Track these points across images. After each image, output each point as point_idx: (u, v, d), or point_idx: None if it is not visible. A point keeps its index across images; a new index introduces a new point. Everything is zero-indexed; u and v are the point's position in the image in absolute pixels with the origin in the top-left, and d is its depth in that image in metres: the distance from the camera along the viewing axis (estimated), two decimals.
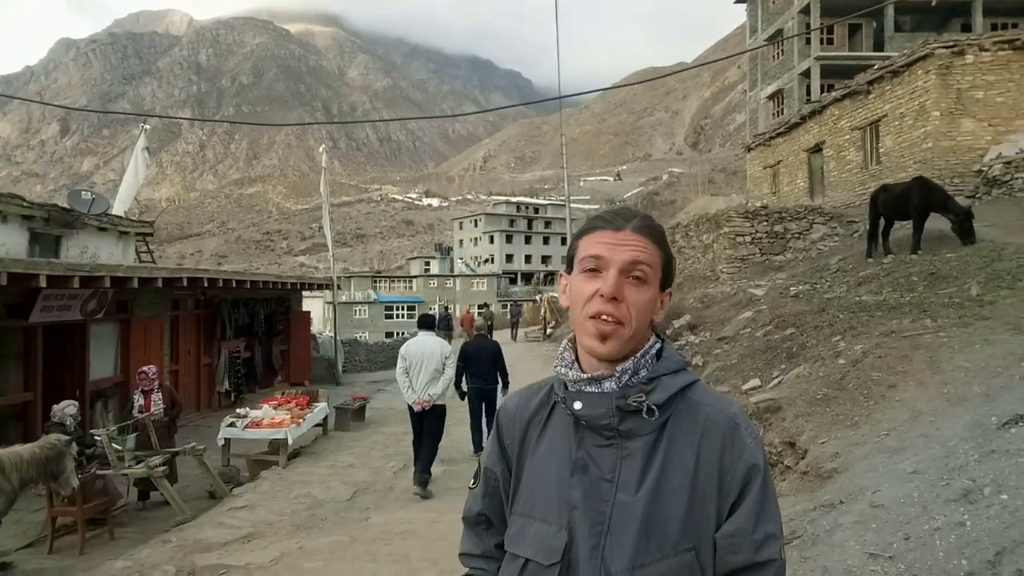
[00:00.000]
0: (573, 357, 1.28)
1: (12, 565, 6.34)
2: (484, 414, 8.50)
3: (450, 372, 7.40)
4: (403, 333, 42.45)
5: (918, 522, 3.61)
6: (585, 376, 1.22)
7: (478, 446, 8.44)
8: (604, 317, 1.18)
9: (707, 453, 1.19)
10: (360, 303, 60.17)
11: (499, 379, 8.51)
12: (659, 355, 1.26)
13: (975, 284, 8.21)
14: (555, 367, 1.29)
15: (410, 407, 7.32)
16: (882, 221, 11.73)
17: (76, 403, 7.48)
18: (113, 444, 7.12)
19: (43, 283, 7.93)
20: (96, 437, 7.13)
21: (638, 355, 1.23)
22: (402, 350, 7.49)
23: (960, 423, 4.72)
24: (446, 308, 39.36)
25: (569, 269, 1.30)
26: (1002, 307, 6.96)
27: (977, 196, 14.50)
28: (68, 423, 7.62)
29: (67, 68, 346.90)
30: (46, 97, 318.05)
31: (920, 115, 17.03)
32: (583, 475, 1.21)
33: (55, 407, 7.28)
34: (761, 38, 35.24)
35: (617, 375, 1.21)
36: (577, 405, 1.22)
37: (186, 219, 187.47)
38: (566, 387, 1.25)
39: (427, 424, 7.27)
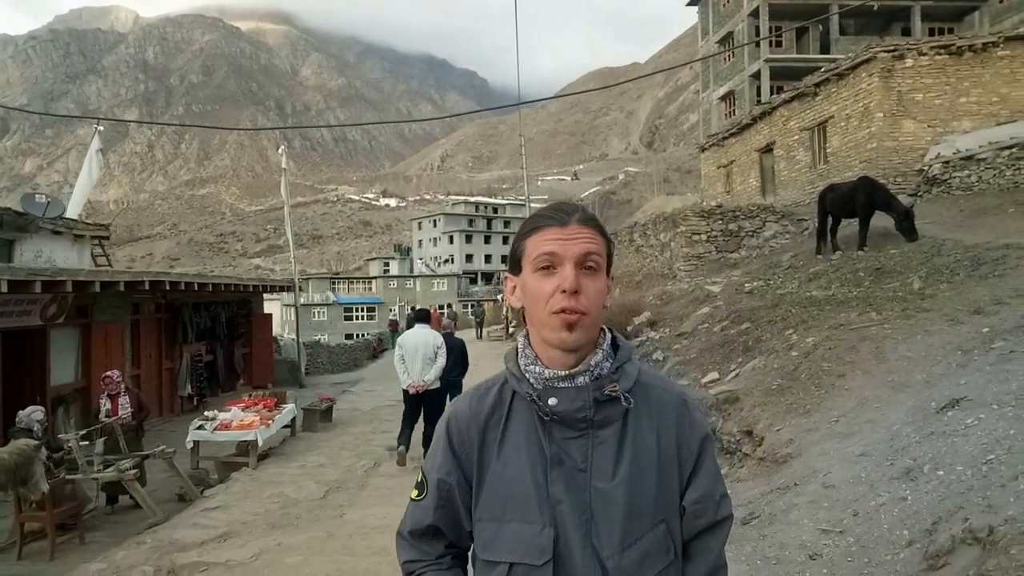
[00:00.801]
0: (535, 354, 1.30)
1: None
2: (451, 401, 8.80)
3: (441, 360, 8.14)
4: (364, 335, 42.20)
5: (865, 499, 3.93)
6: (561, 373, 1.25)
7: None
8: (568, 311, 1.21)
9: (664, 431, 1.28)
10: (319, 305, 59.54)
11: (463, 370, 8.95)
12: (615, 344, 1.32)
13: (917, 279, 8.69)
14: (521, 366, 1.30)
15: (405, 391, 8.17)
16: (830, 219, 12.25)
17: (43, 409, 7.42)
18: (81, 449, 7.11)
19: (3, 288, 7.83)
20: (66, 443, 7.09)
21: (604, 347, 1.29)
22: (399, 340, 8.42)
23: (903, 408, 5.08)
24: (414, 308, 40.84)
25: (515, 270, 1.32)
26: (941, 300, 7.41)
27: (919, 194, 15.19)
28: (35, 428, 7.57)
29: (5, 66, 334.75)
30: None
31: (864, 116, 17.75)
32: (560, 468, 1.24)
33: (21, 413, 7.22)
34: (713, 40, 36.06)
35: (591, 369, 1.26)
36: (552, 401, 1.24)
37: (135, 221, 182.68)
38: (532, 384, 1.27)
39: (427, 405, 8.18)
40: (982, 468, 3.50)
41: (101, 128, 15.84)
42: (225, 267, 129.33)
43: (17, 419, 7.19)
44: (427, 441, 7.83)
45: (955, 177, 14.52)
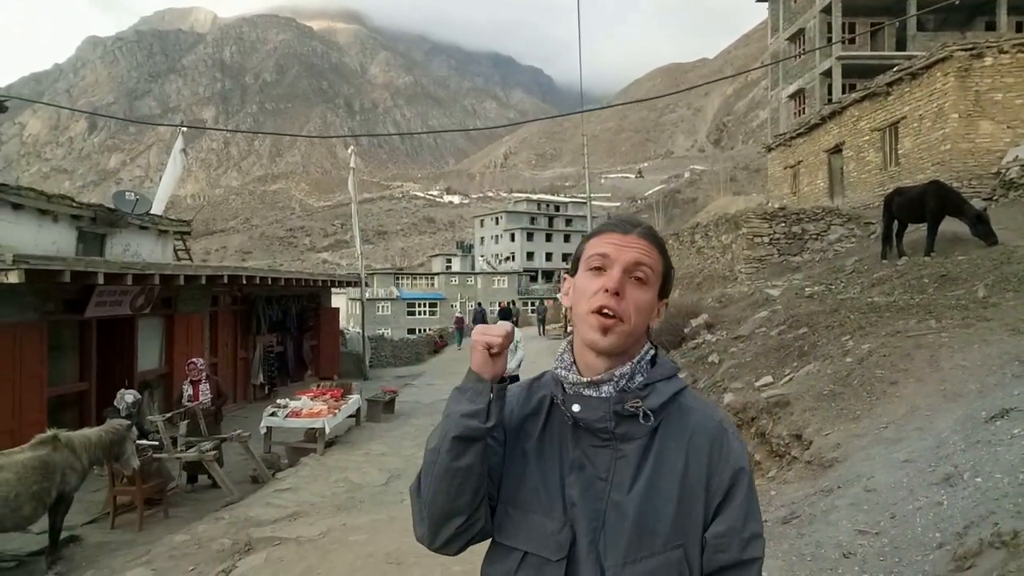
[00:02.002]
0: (572, 359, 1.31)
1: (79, 538, 6.94)
2: None
3: (521, 352, 9.67)
4: (426, 329, 43.08)
5: (904, 503, 4.04)
6: (584, 380, 1.26)
7: None
8: (606, 311, 1.22)
9: (696, 456, 1.24)
10: (383, 300, 60.93)
11: None
12: (653, 361, 1.31)
13: (982, 287, 8.53)
14: (555, 368, 1.33)
15: None
16: (896, 224, 12.03)
17: (135, 392, 8.07)
18: (167, 430, 7.72)
19: (101, 280, 8.53)
20: (153, 424, 7.71)
21: (635, 360, 1.28)
22: None
23: (953, 417, 5.12)
24: (479, 304, 41.73)
25: (573, 272, 1.36)
26: (1004, 309, 7.31)
27: (994, 198, 14.70)
28: (122, 408, 8.25)
29: (95, 66, 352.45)
30: (74, 93, 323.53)
31: (939, 117, 17.22)
32: (580, 473, 1.25)
33: (119, 393, 7.87)
34: (783, 37, 35.32)
35: (615, 380, 1.25)
36: (576, 408, 1.26)
37: (211, 215, 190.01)
38: (564, 389, 1.29)
39: None
40: (1019, 476, 3.59)
41: (185, 129, 16.76)
42: (294, 261, 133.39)
43: (116, 400, 7.84)
44: None
45: None
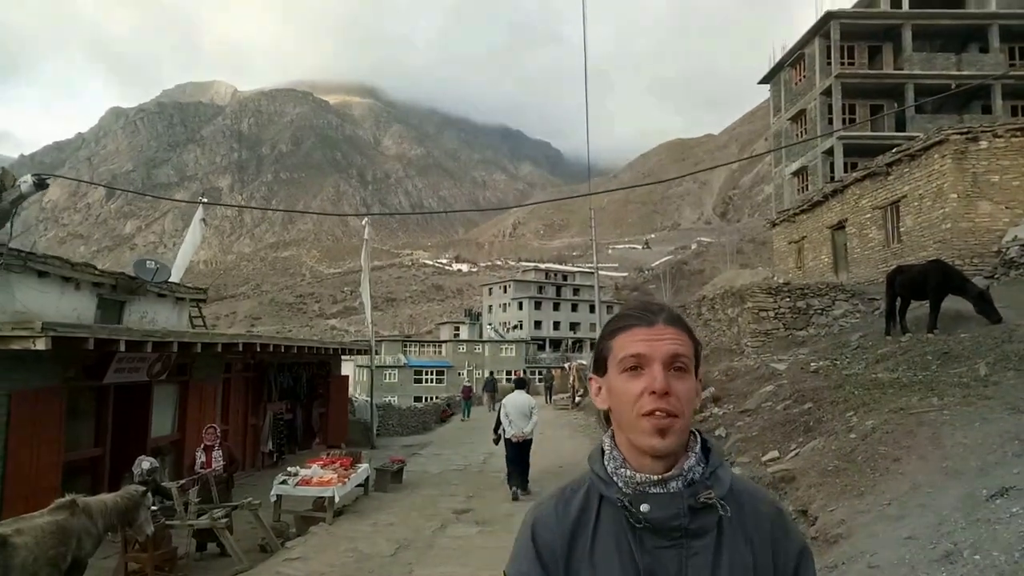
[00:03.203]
0: (623, 457, 1.25)
1: None
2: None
3: (535, 417, 10.88)
4: (433, 397, 43.01)
5: None
6: (654, 478, 1.20)
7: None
8: (658, 413, 1.17)
9: (760, 542, 1.21)
10: (390, 367, 60.99)
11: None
12: (705, 448, 1.27)
13: (984, 365, 8.69)
14: (609, 469, 1.26)
15: (508, 440, 10.73)
16: (899, 301, 12.26)
17: (152, 460, 8.20)
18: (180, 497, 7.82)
19: (123, 347, 8.79)
20: (168, 491, 7.82)
21: (696, 450, 1.24)
22: (504, 400, 11.22)
23: (954, 494, 5.23)
24: (492, 373, 42.71)
25: (599, 371, 1.30)
26: (1005, 387, 7.45)
27: (995, 277, 14.95)
28: (137, 474, 8.37)
29: (116, 135, 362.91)
30: (95, 162, 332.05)
31: (938, 197, 17.67)
32: None
33: (137, 460, 8.02)
34: (785, 117, 36.39)
35: (684, 474, 1.21)
36: (644, 508, 1.18)
37: (222, 281, 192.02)
38: (622, 489, 1.22)
39: (522, 451, 10.73)
40: (1015, 554, 3.71)
41: (205, 199, 17.31)
42: (303, 327, 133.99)
43: (134, 466, 7.98)
44: (525, 478, 10.81)
45: None
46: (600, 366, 1.30)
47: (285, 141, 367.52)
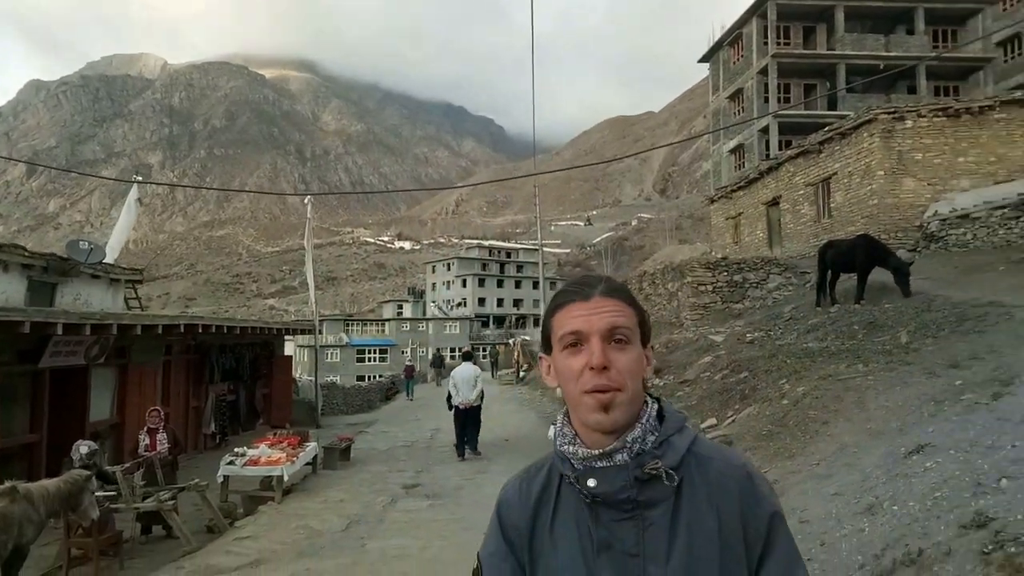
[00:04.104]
0: (573, 433, 1.23)
1: None
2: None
3: (481, 386, 11.98)
4: (377, 376, 42.83)
5: (832, 531, 4.46)
6: (595, 452, 1.18)
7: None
8: (599, 388, 1.16)
9: (727, 509, 1.15)
10: (332, 347, 60.24)
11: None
12: (660, 416, 1.23)
13: (905, 333, 9.23)
14: (558, 446, 1.25)
15: (456, 407, 11.78)
16: (829, 273, 12.83)
17: (91, 443, 8.04)
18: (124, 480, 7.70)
19: (60, 331, 8.54)
20: (112, 474, 7.70)
21: (643, 420, 1.20)
22: (452, 373, 12.25)
23: (877, 453, 5.61)
24: (438, 351, 43.38)
25: (547, 349, 1.29)
26: (924, 353, 7.95)
27: (918, 250, 15.76)
28: (76, 459, 8.20)
29: (36, 109, 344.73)
30: (14, 137, 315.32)
31: (866, 174, 18.44)
32: (608, 553, 1.17)
33: (74, 445, 7.85)
34: (723, 95, 37.15)
35: (628, 445, 1.17)
36: (591, 483, 1.17)
37: (154, 261, 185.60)
38: (573, 466, 1.21)
39: (471, 417, 11.87)
40: (928, 503, 4.05)
41: (139, 178, 16.78)
42: (240, 308, 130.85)
43: (72, 451, 7.81)
44: (475, 443, 12.00)
45: (951, 234, 15.11)
46: (546, 344, 1.29)
47: (219, 116, 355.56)
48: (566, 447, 1.22)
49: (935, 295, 11.08)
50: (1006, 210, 14.16)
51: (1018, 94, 18.67)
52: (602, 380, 1.16)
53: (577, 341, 1.20)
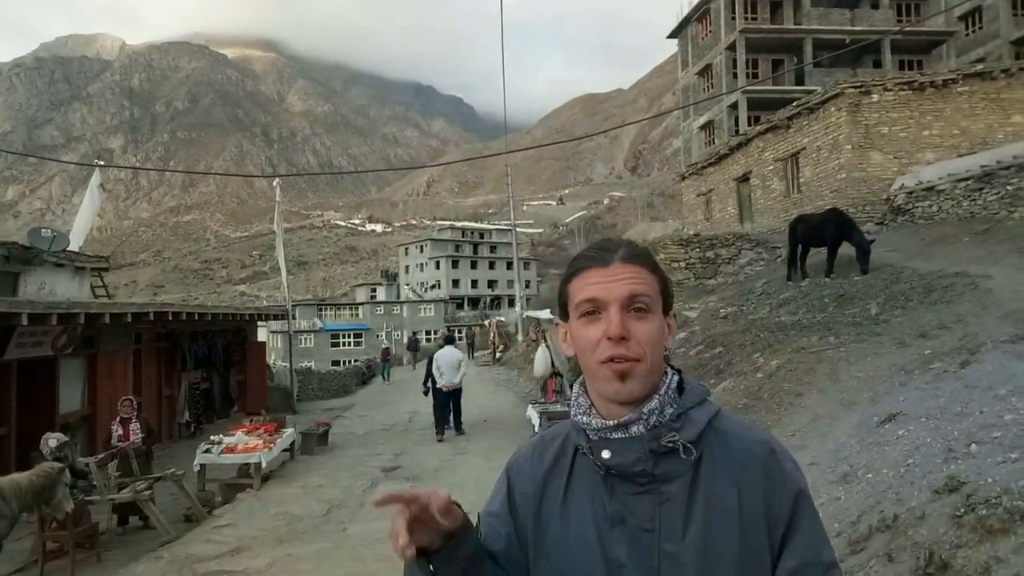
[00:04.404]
0: (589, 403, 1.19)
1: None
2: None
3: (464, 369, 12.28)
4: (352, 360, 42.61)
5: None
6: (611, 423, 1.14)
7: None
8: (617, 359, 1.11)
9: (748, 486, 1.11)
10: (306, 332, 59.72)
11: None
12: (680, 388, 1.18)
13: (875, 305, 9.41)
14: (573, 416, 1.21)
15: (439, 390, 12.05)
16: (800, 248, 13.00)
17: (60, 435, 7.90)
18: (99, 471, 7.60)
19: (25, 321, 8.35)
20: (85, 465, 7.58)
21: (661, 392, 1.15)
22: (435, 355, 12.37)
23: (850, 423, 5.73)
24: (414, 334, 43.75)
25: (564, 316, 1.23)
26: (893, 324, 8.12)
27: (885, 223, 16.03)
28: (46, 452, 8.06)
29: None
30: None
31: (834, 148, 18.66)
32: (622, 528, 1.13)
33: (43, 437, 7.71)
34: (692, 71, 37.22)
35: (644, 417, 1.13)
36: (605, 454, 1.14)
37: (119, 249, 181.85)
38: (588, 436, 1.17)
39: (454, 399, 12.25)
40: (901, 470, 4.15)
41: (101, 162, 16.37)
42: (210, 294, 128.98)
43: (41, 444, 7.67)
44: (459, 423, 12.44)
45: (918, 207, 15.38)
46: (563, 311, 1.24)
47: (181, 98, 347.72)
48: (581, 417, 1.18)
49: (903, 267, 11.29)
50: (969, 182, 14.43)
51: (979, 67, 18.97)
52: (620, 350, 1.11)
53: (594, 309, 1.15)
